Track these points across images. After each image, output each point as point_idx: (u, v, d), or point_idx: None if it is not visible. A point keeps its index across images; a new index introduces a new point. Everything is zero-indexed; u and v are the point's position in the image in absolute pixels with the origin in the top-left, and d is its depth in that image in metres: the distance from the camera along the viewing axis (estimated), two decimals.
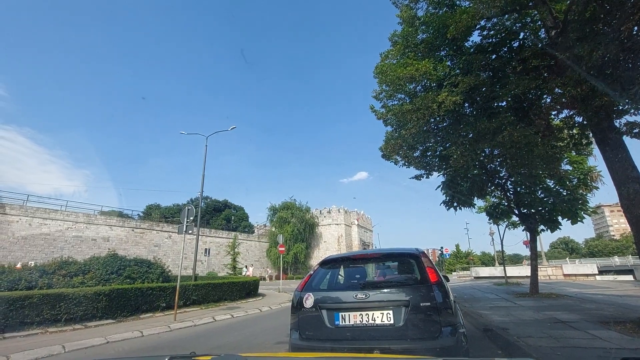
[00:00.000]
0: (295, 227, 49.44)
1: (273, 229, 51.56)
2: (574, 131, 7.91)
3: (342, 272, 3.99)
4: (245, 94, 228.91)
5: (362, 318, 3.08)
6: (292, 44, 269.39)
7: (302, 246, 49.18)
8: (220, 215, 77.34)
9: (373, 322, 3.04)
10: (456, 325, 3.01)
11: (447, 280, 3.76)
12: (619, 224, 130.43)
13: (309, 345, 3.14)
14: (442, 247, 47.55)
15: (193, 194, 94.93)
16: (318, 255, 53.19)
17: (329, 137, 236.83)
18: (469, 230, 60.59)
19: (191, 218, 10.98)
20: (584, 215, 12.20)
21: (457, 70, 7.65)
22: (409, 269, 3.67)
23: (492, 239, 41.03)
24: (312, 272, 3.84)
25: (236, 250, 42.54)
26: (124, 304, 10.11)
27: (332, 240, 52.82)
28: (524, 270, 25.38)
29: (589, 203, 11.94)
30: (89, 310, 9.19)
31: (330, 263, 3.90)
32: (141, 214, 54.34)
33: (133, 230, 37.59)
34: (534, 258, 12.44)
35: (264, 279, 45.43)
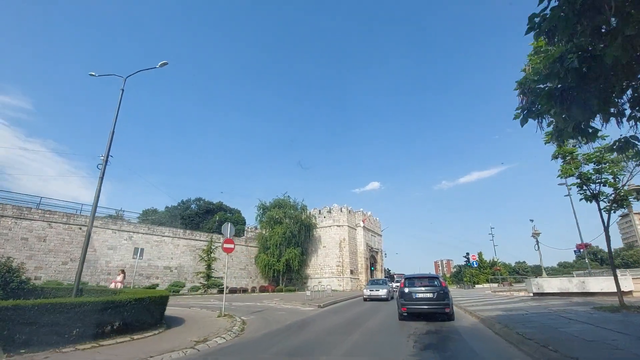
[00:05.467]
0: (288, 229, 41.20)
1: (263, 231, 43.49)
2: None
3: (413, 280, 11.46)
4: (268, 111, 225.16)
5: (423, 295, 10.78)
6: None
7: (296, 252, 40.77)
8: (212, 219, 69.98)
9: (425, 296, 10.74)
10: (450, 298, 10.83)
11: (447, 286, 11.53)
12: None
13: (406, 303, 10.82)
14: (468, 254, 38.67)
15: (192, 194, 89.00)
16: (316, 263, 44.69)
17: (342, 146, 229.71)
18: (494, 236, 51.18)
19: None
20: None
21: None
22: (435, 281, 11.35)
23: (537, 241, 32.05)
24: (403, 281, 11.66)
25: (212, 255, 34.73)
26: None
27: (333, 244, 44.21)
28: (607, 283, 16.33)
29: None
30: None
31: (409, 278, 11.70)
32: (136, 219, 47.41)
33: (80, 229, 30.16)
34: None
35: (245, 290, 37.11)
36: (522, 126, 5.19)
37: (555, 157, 11.61)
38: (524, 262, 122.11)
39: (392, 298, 20.96)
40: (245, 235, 48.97)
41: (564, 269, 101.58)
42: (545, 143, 10.35)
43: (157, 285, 30.83)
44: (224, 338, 8.44)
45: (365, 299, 20.98)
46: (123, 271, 16.08)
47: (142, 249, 17.83)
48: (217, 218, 68.77)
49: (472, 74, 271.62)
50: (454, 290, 36.97)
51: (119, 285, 14.21)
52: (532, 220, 30.27)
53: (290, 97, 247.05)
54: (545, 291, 17.05)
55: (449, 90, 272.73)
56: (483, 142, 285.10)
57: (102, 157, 13.88)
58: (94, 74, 15.75)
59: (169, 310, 13.01)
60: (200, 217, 70.73)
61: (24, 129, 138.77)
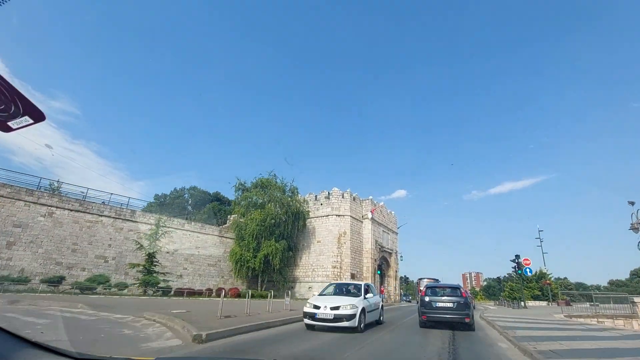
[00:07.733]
0: (270, 215, 31.56)
1: (241, 219, 34.15)
2: None
3: (434, 289, 11.63)
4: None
5: (443, 304, 10.82)
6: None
7: (278, 245, 30.90)
8: (204, 209, 62.18)
9: (446, 305, 10.78)
10: (471, 309, 10.97)
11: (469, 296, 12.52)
12: None
13: (427, 311, 10.89)
14: (518, 257, 27.16)
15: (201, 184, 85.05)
16: (308, 263, 34.64)
17: (366, 153, 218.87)
18: (543, 240, 38.62)
19: None
20: None
21: None
22: (457, 290, 11.26)
23: None
24: (423, 289, 11.92)
25: (157, 243, 25.76)
26: None
27: (330, 239, 33.95)
28: None
29: None
30: None
31: (430, 287, 11.91)
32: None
33: None
34: None
35: (200, 293, 27.51)
36: None
37: None
38: (565, 278, 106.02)
39: None
40: (226, 224, 40.01)
41: (617, 288, 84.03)
42: None
43: (64, 278, 22.25)
44: None
45: None
46: None
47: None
48: (210, 209, 61.14)
49: (503, 79, 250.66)
50: (497, 311, 25.66)
51: None
52: (632, 203, 16.98)
53: (322, 110, 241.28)
54: None
55: (479, 98, 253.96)
56: (517, 151, 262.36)
57: None
58: None
59: None
60: (194, 207, 63.32)
61: (70, 131, 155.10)
